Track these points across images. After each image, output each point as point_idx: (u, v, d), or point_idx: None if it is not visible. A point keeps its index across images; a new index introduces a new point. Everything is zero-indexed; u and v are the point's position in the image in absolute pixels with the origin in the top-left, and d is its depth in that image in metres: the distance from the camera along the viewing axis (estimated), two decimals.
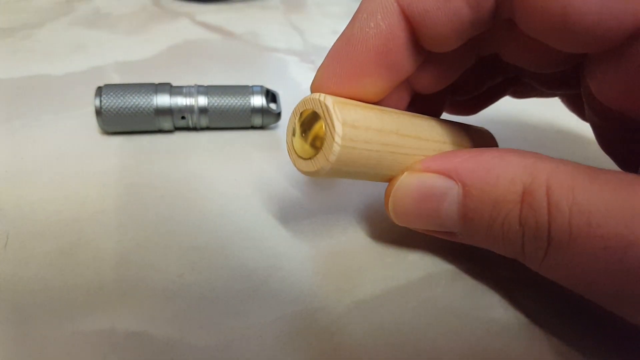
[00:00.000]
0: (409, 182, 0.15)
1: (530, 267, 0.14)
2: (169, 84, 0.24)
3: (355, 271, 0.18)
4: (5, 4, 0.40)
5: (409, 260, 0.19)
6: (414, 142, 0.16)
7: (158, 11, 0.41)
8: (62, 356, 0.15)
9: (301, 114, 0.15)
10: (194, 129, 0.25)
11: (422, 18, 0.14)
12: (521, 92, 0.21)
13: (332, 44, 0.16)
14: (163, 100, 0.24)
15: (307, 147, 0.15)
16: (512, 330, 0.16)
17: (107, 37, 0.36)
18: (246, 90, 0.25)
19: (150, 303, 0.16)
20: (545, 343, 0.16)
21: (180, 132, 0.25)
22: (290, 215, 0.20)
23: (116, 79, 0.30)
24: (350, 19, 0.15)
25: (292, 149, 0.15)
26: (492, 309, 0.17)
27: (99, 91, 0.24)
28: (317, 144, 0.14)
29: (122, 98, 0.23)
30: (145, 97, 0.24)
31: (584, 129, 0.27)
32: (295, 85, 0.31)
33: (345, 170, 0.15)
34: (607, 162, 0.19)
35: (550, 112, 0.30)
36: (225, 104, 0.25)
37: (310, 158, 0.15)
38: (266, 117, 0.25)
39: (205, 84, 0.25)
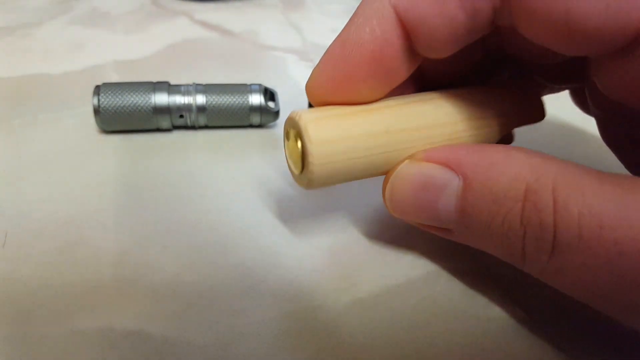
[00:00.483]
0: (408, 171, 0.15)
1: (530, 272, 0.14)
2: (167, 83, 0.24)
3: (354, 269, 0.18)
4: (4, 3, 0.40)
5: (408, 258, 0.19)
6: (412, 135, 0.15)
7: (156, 10, 0.41)
8: (60, 355, 0.14)
9: (287, 132, 0.15)
10: (192, 127, 0.25)
11: (418, 25, 0.14)
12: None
13: (330, 42, 0.16)
14: (161, 98, 0.24)
15: (298, 163, 0.15)
16: (512, 329, 0.16)
17: (105, 36, 0.36)
18: (244, 89, 0.25)
19: (148, 302, 0.16)
20: (545, 342, 0.16)
21: (178, 130, 0.25)
22: (288, 213, 0.20)
23: (114, 78, 0.30)
24: (349, 17, 0.15)
25: (288, 164, 0.16)
26: (491, 307, 0.17)
27: (97, 90, 0.23)
28: (304, 162, 0.15)
29: (120, 97, 0.23)
30: (144, 95, 0.24)
31: (587, 124, 0.27)
32: (294, 84, 0.31)
33: (336, 180, 0.15)
34: (611, 158, 0.19)
35: (553, 107, 0.30)
36: (223, 102, 0.25)
37: (300, 173, 0.15)
38: (265, 116, 0.25)
39: (204, 82, 0.25)
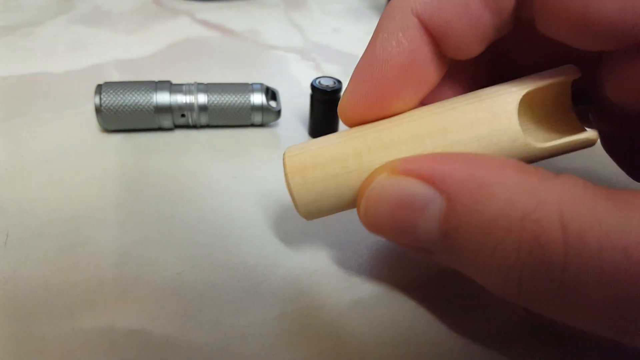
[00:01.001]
0: (384, 186, 0.13)
1: (523, 304, 0.12)
2: (168, 82, 0.24)
3: (355, 269, 0.18)
4: (5, 2, 0.40)
5: (410, 258, 0.19)
6: (388, 153, 0.14)
7: (158, 9, 0.41)
8: (61, 354, 0.15)
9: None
10: (194, 126, 0.25)
11: (444, 29, 0.14)
12: None
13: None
14: (163, 98, 0.24)
15: (293, 197, 0.15)
16: (513, 329, 0.16)
17: (107, 35, 0.36)
18: (246, 88, 0.25)
19: (149, 301, 0.16)
20: (546, 342, 0.16)
21: (180, 129, 0.25)
22: (290, 213, 0.20)
23: (116, 77, 0.30)
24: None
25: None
26: (492, 308, 0.17)
27: (99, 89, 0.23)
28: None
29: (122, 96, 0.23)
30: (145, 94, 0.24)
31: None
32: (295, 83, 0.31)
33: (320, 204, 0.15)
34: (610, 166, 0.19)
35: None
36: (225, 101, 0.25)
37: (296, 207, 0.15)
38: (266, 115, 0.25)
39: (205, 81, 0.25)
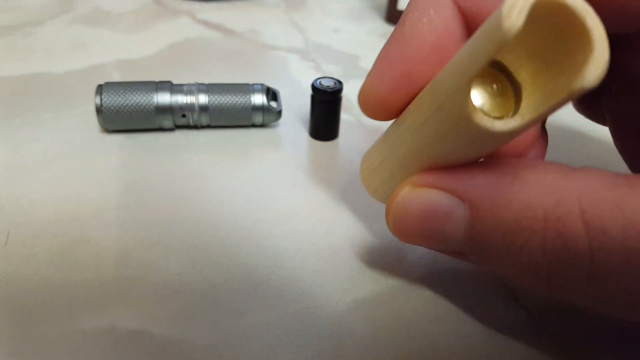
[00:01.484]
0: (409, 199, 0.14)
1: (557, 297, 0.13)
2: (169, 82, 0.24)
3: (356, 270, 0.18)
4: (6, 2, 0.40)
5: (410, 258, 0.19)
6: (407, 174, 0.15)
7: (159, 9, 0.41)
8: (62, 354, 0.14)
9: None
10: (195, 127, 0.25)
11: (478, 9, 0.13)
12: None
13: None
14: (164, 98, 0.24)
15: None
16: (514, 330, 0.16)
17: (107, 35, 0.36)
18: (247, 89, 0.25)
19: (150, 301, 0.16)
20: (546, 343, 0.16)
21: (180, 130, 0.25)
22: (290, 213, 0.20)
23: (117, 77, 0.30)
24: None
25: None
26: (493, 308, 0.17)
27: (100, 89, 0.23)
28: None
29: (122, 96, 0.23)
30: (146, 95, 0.24)
31: (586, 127, 0.27)
32: (296, 84, 0.31)
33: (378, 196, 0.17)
34: (614, 161, 0.19)
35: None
36: (225, 102, 0.25)
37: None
38: (267, 115, 0.25)
39: (206, 82, 0.25)
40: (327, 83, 0.24)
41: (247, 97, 0.25)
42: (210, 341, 0.15)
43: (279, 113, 0.26)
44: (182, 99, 0.24)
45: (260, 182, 0.22)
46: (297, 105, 0.28)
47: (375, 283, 0.17)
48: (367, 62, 0.34)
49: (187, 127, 0.26)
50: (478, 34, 0.11)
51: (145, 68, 0.32)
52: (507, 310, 0.17)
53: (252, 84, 0.25)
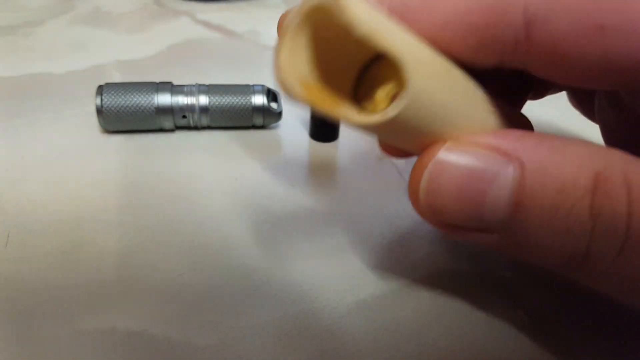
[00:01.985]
0: (450, 157, 0.12)
1: (582, 278, 0.12)
2: (170, 83, 0.24)
3: (356, 271, 0.18)
4: (6, 2, 0.40)
5: (410, 260, 0.19)
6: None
7: (159, 10, 0.41)
8: (62, 355, 0.15)
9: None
10: (195, 128, 0.25)
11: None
12: (541, 92, 0.20)
13: None
14: (164, 99, 0.24)
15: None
16: (514, 331, 0.16)
17: (108, 35, 0.36)
18: (247, 90, 0.25)
19: (151, 302, 0.16)
20: (547, 344, 0.16)
21: (181, 131, 0.25)
22: (291, 214, 0.20)
23: (117, 78, 0.30)
24: None
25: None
26: (493, 309, 0.17)
27: (100, 90, 0.23)
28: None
29: (123, 97, 0.23)
30: (146, 96, 0.24)
31: (584, 128, 0.27)
32: None
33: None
34: None
35: (551, 111, 0.30)
36: (226, 103, 0.25)
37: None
38: (267, 117, 0.25)
39: (207, 83, 0.25)
40: None
41: (248, 98, 0.25)
42: (210, 342, 0.15)
43: (279, 114, 0.26)
44: (182, 99, 0.24)
45: (260, 183, 0.22)
46: (297, 106, 0.28)
47: (375, 284, 0.17)
48: None
49: (188, 128, 0.26)
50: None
51: (146, 69, 0.32)
52: (507, 312, 0.17)
53: (253, 85, 0.25)
